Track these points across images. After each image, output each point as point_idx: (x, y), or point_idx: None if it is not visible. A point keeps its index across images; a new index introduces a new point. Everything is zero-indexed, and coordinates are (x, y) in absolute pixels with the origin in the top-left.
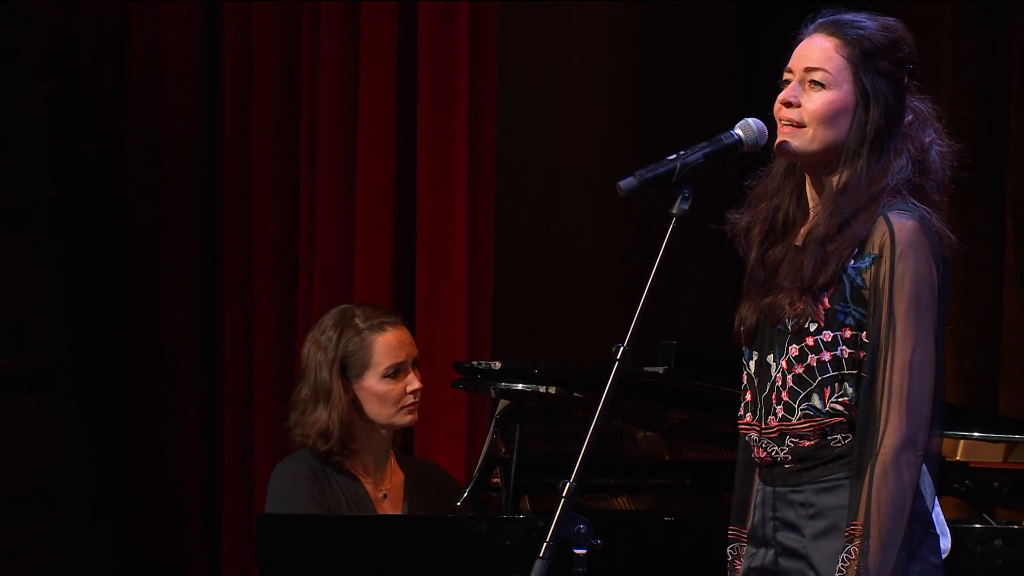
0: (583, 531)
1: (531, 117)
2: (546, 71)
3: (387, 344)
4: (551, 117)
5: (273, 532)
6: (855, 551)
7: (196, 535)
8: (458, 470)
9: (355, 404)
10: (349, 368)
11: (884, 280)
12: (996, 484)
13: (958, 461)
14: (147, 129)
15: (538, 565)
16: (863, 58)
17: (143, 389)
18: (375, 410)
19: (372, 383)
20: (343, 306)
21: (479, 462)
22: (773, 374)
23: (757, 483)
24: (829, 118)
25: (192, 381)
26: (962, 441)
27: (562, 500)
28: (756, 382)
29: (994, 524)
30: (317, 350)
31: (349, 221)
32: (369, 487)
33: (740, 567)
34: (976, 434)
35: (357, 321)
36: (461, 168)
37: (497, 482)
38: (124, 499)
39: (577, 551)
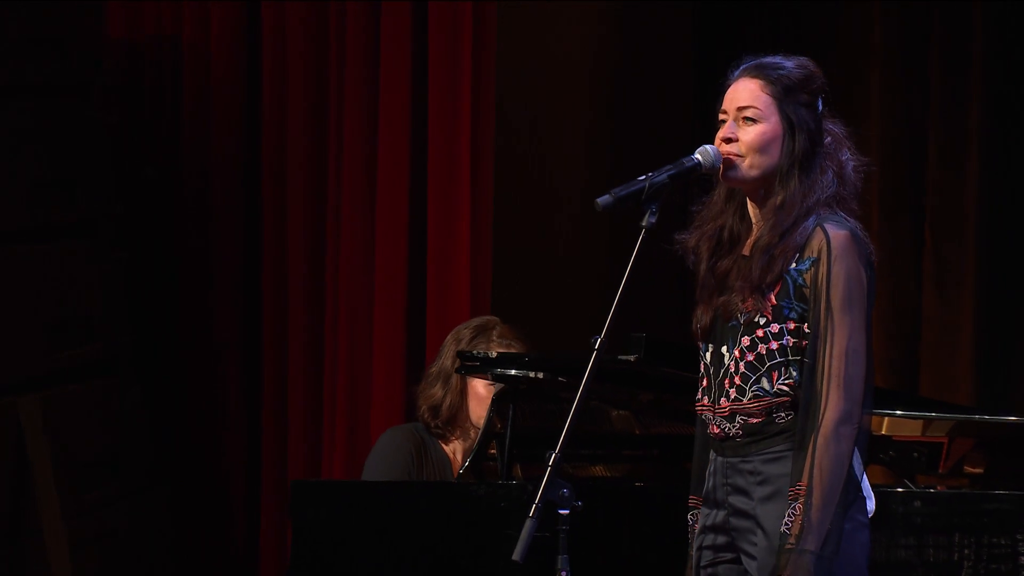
0: (566, 494)
1: (520, 124)
2: (529, 76)
3: None
4: (538, 124)
5: (305, 496)
6: (800, 507)
7: (238, 499)
8: None
9: (463, 394)
10: None
11: (822, 280)
12: (916, 454)
13: (883, 435)
14: (197, 155)
15: (528, 523)
16: (785, 93)
17: (194, 374)
18: (472, 407)
19: (479, 385)
20: (490, 317)
21: (479, 436)
22: (727, 362)
23: (711, 455)
24: (763, 147)
25: (235, 367)
26: (887, 418)
27: (548, 468)
28: (712, 370)
29: (914, 488)
30: (454, 340)
31: (370, 230)
32: (456, 466)
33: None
34: (899, 412)
35: (493, 333)
36: (464, 175)
37: (494, 453)
38: (178, 467)
39: (561, 511)
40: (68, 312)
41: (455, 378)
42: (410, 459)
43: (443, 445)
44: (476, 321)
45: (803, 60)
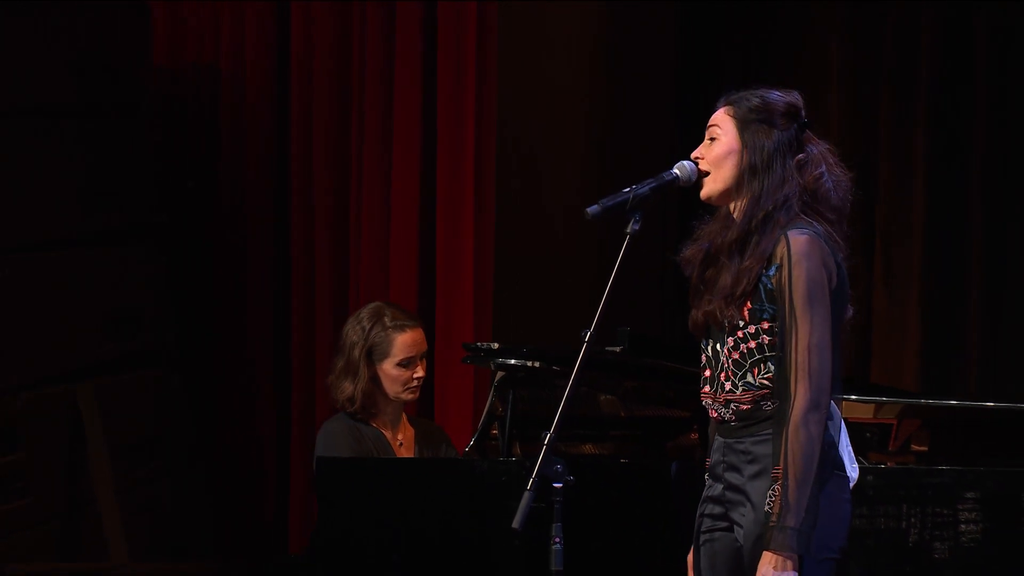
0: (560, 470)
1: (518, 143)
2: (526, 102)
3: (404, 341)
4: (535, 143)
5: (328, 472)
6: (778, 489)
7: (269, 475)
8: (466, 425)
9: (375, 379)
10: (373, 352)
11: (785, 283)
12: (868, 434)
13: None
14: (233, 169)
15: (525, 496)
16: (746, 114)
17: (229, 364)
18: (388, 386)
19: (388, 367)
20: (378, 303)
21: (482, 418)
22: (720, 359)
23: (715, 435)
24: (719, 161)
25: (266, 357)
26: (843, 402)
27: (544, 447)
28: (712, 364)
29: (867, 464)
30: (353, 333)
31: (384, 235)
32: (389, 437)
33: None
34: (853, 397)
35: (386, 319)
36: (468, 189)
37: (495, 433)
38: (215, 447)
39: (555, 485)
40: (119, 309)
41: (363, 368)
42: (353, 442)
43: (373, 424)
44: (366, 312)
45: (786, 91)
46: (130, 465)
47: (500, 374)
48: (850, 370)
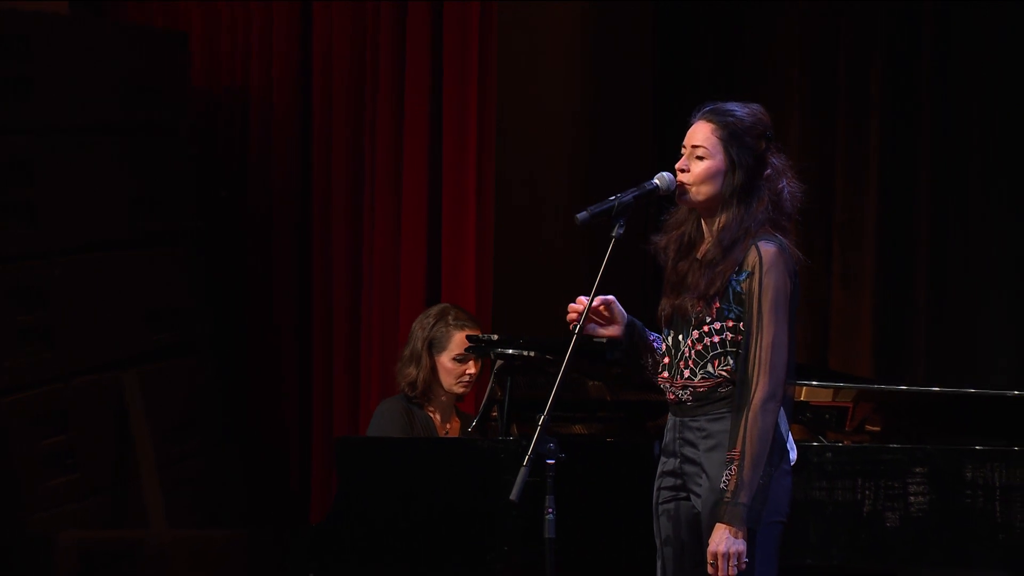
0: (553, 448)
1: (515, 162)
2: (521, 123)
3: (461, 339)
4: (530, 160)
5: (347, 450)
6: (735, 469)
7: (293, 453)
8: (469, 408)
9: (434, 370)
10: (434, 345)
11: (755, 289)
12: (827, 416)
13: (802, 401)
14: (262, 180)
15: (522, 471)
16: (731, 136)
17: (258, 354)
18: (443, 378)
19: (445, 360)
20: (445, 304)
21: (483, 402)
22: (682, 348)
23: (669, 416)
24: (707, 179)
25: (290, 348)
26: (804, 387)
27: (538, 427)
28: (672, 352)
29: (826, 443)
30: (419, 327)
31: (396, 237)
32: (438, 423)
33: None
34: (814, 383)
35: (449, 317)
36: (470, 185)
37: (495, 416)
38: (245, 427)
39: (548, 461)
40: (159, 305)
41: (425, 358)
42: (405, 421)
43: (425, 409)
44: (435, 309)
45: (755, 108)
46: (169, 444)
47: (499, 363)
48: (810, 359)
